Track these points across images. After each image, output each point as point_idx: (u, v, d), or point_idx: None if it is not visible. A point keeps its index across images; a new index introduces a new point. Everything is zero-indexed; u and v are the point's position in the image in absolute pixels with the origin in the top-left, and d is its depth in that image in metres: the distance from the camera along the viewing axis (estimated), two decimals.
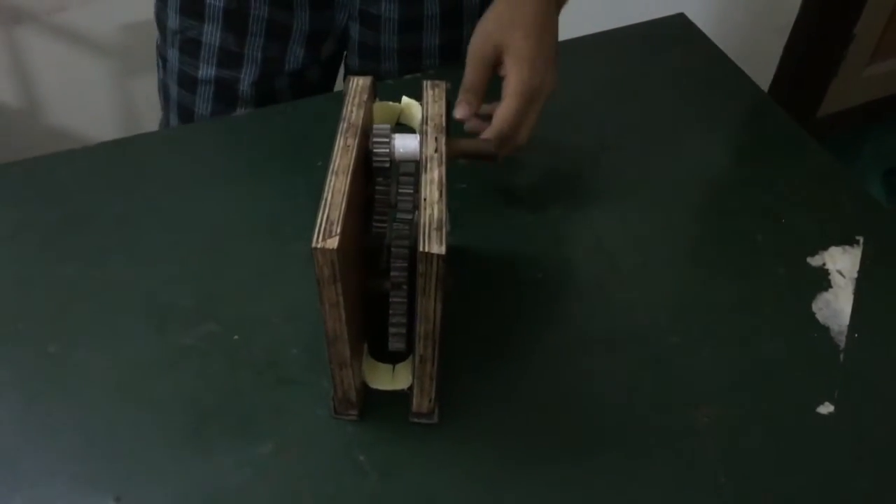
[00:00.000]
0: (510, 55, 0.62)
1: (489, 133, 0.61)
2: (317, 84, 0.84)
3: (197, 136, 0.76)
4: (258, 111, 0.77)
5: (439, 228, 0.44)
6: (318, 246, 0.42)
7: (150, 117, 1.59)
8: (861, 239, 0.69)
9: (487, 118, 0.62)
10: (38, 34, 1.38)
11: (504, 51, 0.62)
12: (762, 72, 1.92)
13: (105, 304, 0.61)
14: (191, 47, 0.79)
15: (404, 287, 0.49)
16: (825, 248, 0.68)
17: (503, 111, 0.61)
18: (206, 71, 0.79)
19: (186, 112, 0.83)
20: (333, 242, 0.42)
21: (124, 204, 0.68)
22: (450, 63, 0.82)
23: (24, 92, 1.44)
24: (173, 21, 0.79)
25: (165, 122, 0.87)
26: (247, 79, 0.79)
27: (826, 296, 0.65)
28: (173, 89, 0.83)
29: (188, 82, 0.81)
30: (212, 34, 0.78)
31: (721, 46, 0.87)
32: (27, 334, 0.59)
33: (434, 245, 0.43)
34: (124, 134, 0.74)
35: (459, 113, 0.62)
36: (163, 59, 0.83)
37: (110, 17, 1.40)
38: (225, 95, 0.80)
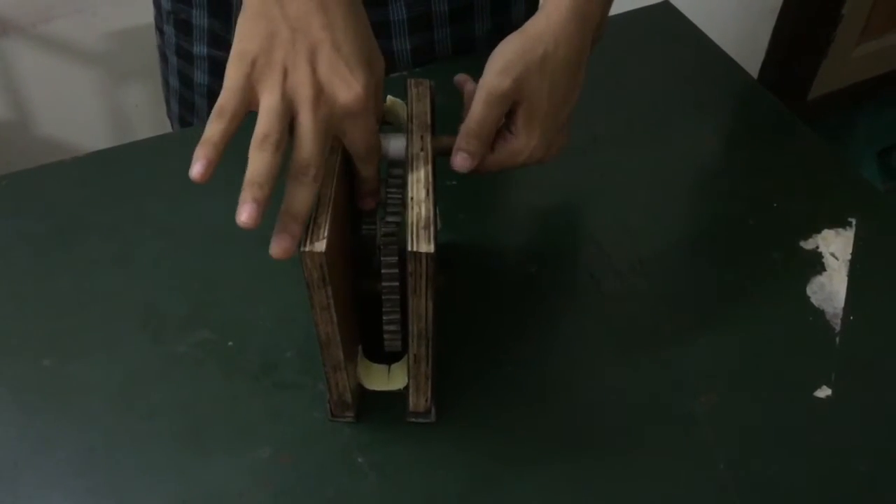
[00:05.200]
0: (526, 109, 0.51)
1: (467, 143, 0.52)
2: None
3: (185, 142, 0.75)
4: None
5: (427, 227, 0.44)
6: (306, 249, 0.42)
7: (140, 125, 1.60)
8: (854, 220, 0.69)
9: None
10: (25, 45, 1.37)
11: (522, 100, 0.51)
12: (751, 56, 1.92)
13: (98, 314, 0.61)
14: (184, 27, 0.81)
15: (397, 287, 0.49)
16: (818, 230, 0.68)
17: (494, 159, 0.53)
18: (200, 49, 0.82)
19: (186, 78, 0.85)
20: (321, 245, 0.42)
21: (115, 213, 0.67)
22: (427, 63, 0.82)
23: (13, 104, 1.44)
24: (166, 2, 0.81)
25: (165, 83, 0.90)
26: None
27: (820, 279, 0.65)
28: (172, 58, 0.85)
29: (185, 54, 0.83)
30: (200, 17, 0.80)
31: (708, 33, 0.87)
32: (21, 348, 0.58)
33: (422, 244, 0.43)
34: (115, 143, 0.74)
35: (460, 165, 0.52)
36: (160, 31, 0.86)
37: (97, 26, 1.40)
38: (220, 71, 0.82)
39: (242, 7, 0.46)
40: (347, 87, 0.44)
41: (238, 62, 0.45)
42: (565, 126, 0.55)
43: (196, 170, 0.43)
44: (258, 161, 0.43)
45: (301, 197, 0.43)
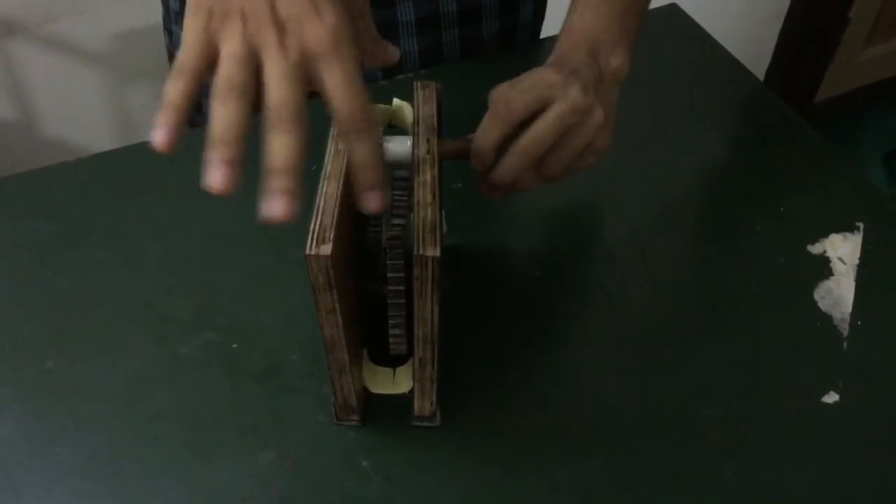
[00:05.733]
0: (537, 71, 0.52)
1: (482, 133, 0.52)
2: None
3: (191, 144, 0.75)
4: None
5: (433, 231, 0.44)
6: (312, 253, 0.42)
7: (146, 126, 1.60)
8: (861, 225, 0.69)
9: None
10: (30, 46, 1.38)
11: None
12: (758, 59, 1.92)
13: (102, 316, 0.60)
14: None
15: (402, 290, 0.49)
16: (825, 235, 0.68)
17: (508, 102, 0.51)
18: None
19: None
20: (327, 249, 0.42)
21: (119, 215, 0.67)
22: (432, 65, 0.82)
23: (19, 104, 1.44)
24: (174, 2, 0.81)
25: None
26: None
27: (828, 284, 0.64)
28: None
29: None
30: None
31: (715, 35, 0.87)
32: (25, 350, 0.58)
33: (429, 248, 0.43)
34: (120, 144, 0.74)
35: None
36: (168, 31, 0.85)
37: (102, 27, 1.40)
38: None
39: None
40: (312, 24, 0.39)
41: (193, 15, 0.40)
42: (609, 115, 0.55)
43: (158, 138, 0.38)
44: (222, 114, 0.37)
45: (281, 147, 0.37)
